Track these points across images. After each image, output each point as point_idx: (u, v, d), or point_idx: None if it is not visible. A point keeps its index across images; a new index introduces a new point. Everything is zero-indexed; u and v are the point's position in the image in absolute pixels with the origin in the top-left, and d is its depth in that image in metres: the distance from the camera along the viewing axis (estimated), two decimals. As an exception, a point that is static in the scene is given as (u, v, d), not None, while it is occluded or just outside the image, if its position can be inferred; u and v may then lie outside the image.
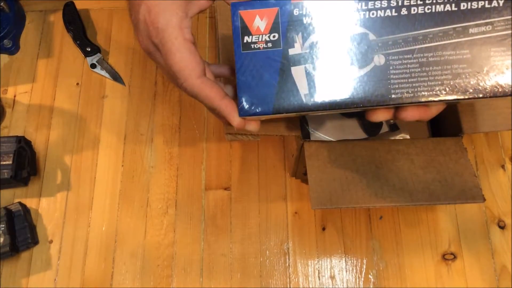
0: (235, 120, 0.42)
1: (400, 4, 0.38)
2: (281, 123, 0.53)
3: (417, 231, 0.68)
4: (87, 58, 0.79)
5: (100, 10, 0.83)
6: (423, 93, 0.37)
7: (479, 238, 0.68)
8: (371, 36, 0.38)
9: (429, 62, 0.37)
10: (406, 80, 0.37)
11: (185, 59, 0.42)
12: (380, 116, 0.41)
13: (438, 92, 0.37)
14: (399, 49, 0.38)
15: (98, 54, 0.79)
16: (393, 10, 0.38)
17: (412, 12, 0.37)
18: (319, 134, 0.65)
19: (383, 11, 0.38)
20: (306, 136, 0.63)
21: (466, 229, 0.68)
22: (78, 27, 0.80)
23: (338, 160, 0.53)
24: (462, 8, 0.37)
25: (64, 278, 0.67)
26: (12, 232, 0.65)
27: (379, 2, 0.38)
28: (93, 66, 0.78)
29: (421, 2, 0.37)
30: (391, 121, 0.66)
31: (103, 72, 0.78)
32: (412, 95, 0.37)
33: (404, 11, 0.38)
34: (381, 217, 0.69)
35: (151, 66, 0.79)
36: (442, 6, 0.37)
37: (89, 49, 0.79)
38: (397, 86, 0.37)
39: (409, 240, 0.68)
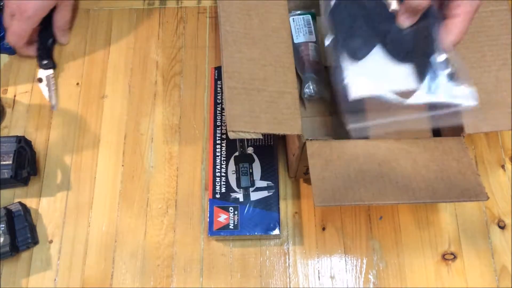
0: None
1: None
2: (281, 122, 0.53)
3: (417, 231, 0.68)
4: (39, 69, 0.78)
5: (100, 10, 0.83)
6: None
7: (479, 238, 0.68)
8: None
9: None
10: None
11: None
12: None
13: None
14: None
15: (51, 70, 0.78)
16: None
17: None
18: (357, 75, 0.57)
19: None
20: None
21: (466, 229, 0.68)
22: (49, 36, 0.79)
23: (340, 159, 0.53)
24: None
25: (64, 278, 0.67)
26: (12, 232, 0.65)
27: None
28: (40, 80, 0.77)
29: None
30: (450, 70, 0.56)
31: (45, 90, 0.77)
32: None
33: None
34: (381, 217, 0.69)
35: (151, 66, 0.79)
36: None
37: (45, 62, 0.78)
38: None
39: (409, 240, 0.68)
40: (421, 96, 0.54)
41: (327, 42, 0.58)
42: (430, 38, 0.55)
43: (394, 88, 0.55)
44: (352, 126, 0.55)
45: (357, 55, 0.57)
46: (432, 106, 0.55)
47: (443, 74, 0.55)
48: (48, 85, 0.77)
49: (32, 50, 0.78)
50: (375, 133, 0.57)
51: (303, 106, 0.74)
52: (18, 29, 0.72)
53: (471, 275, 0.66)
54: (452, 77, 0.55)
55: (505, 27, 0.58)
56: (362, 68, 0.56)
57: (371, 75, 0.56)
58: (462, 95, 0.54)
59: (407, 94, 0.54)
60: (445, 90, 0.54)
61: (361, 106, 0.56)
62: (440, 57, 0.55)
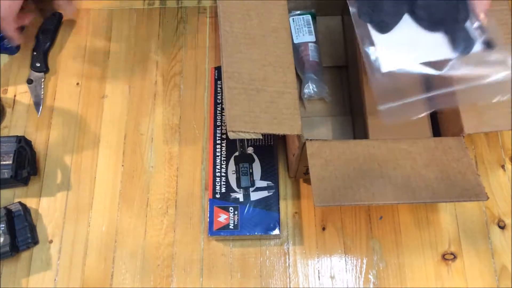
0: None
1: None
2: (281, 122, 0.53)
3: (417, 231, 0.68)
4: (31, 71, 0.78)
5: (100, 10, 0.83)
6: None
7: (479, 238, 0.68)
8: None
9: None
10: None
11: None
12: None
13: None
14: None
15: (42, 74, 0.78)
16: None
17: None
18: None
19: None
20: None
21: (466, 229, 0.68)
22: (47, 40, 0.79)
23: (340, 158, 0.53)
24: None
25: (64, 278, 0.67)
26: (12, 232, 0.65)
27: None
28: (30, 81, 0.77)
29: None
30: (485, 37, 0.53)
31: (33, 92, 0.77)
32: None
33: None
34: (381, 217, 0.69)
35: (151, 66, 0.79)
36: None
37: (38, 65, 0.78)
38: None
39: (409, 240, 0.68)
40: (456, 66, 0.51)
41: (352, 10, 0.54)
42: (461, 4, 0.53)
43: (427, 59, 0.52)
44: (383, 107, 0.52)
45: (385, 27, 0.54)
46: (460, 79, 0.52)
47: (478, 42, 0.52)
48: (36, 88, 0.77)
49: (18, 35, 0.74)
50: (407, 114, 0.53)
51: (303, 106, 0.74)
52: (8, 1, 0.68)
53: (471, 275, 0.66)
54: (488, 44, 0.53)
55: (505, 27, 0.58)
56: (391, 39, 0.53)
57: (401, 47, 0.53)
58: (499, 63, 0.51)
59: (441, 64, 0.52)
60: (481, 58, 0.52)
61: (393, 83, 0.52)
62: (474, 24, 0.53)
